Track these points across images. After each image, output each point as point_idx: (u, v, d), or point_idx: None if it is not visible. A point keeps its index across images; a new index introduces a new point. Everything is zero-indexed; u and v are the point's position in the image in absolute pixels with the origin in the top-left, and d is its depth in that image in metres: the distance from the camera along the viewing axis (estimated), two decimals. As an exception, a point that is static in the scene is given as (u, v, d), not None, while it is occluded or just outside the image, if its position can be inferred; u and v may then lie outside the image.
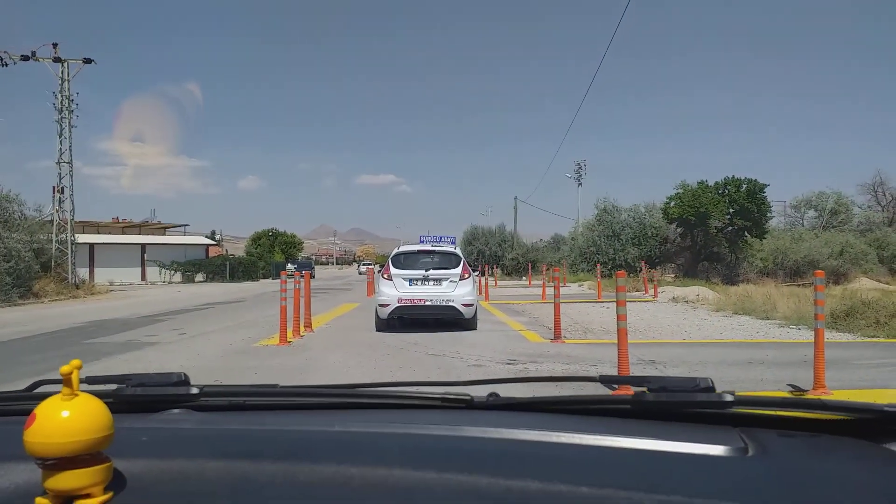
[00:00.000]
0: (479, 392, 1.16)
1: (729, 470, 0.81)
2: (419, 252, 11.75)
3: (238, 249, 78.13)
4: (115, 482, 0.72)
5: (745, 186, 31.10)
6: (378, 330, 10.98)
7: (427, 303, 10.78)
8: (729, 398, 0.95)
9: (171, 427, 0.99)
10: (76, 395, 0.69)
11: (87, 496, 0.68)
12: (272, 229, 71.24)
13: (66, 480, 0.67)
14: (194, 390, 1.09)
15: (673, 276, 31.11)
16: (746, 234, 31.39)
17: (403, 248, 11.97)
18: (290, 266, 39.98)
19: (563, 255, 39.78)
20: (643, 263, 25.40)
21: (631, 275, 26.44)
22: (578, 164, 53.82)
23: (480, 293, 17.07)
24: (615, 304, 6.88)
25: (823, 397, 1.01)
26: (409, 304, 10.79)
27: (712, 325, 11.85)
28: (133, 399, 1.06)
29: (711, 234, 31.69)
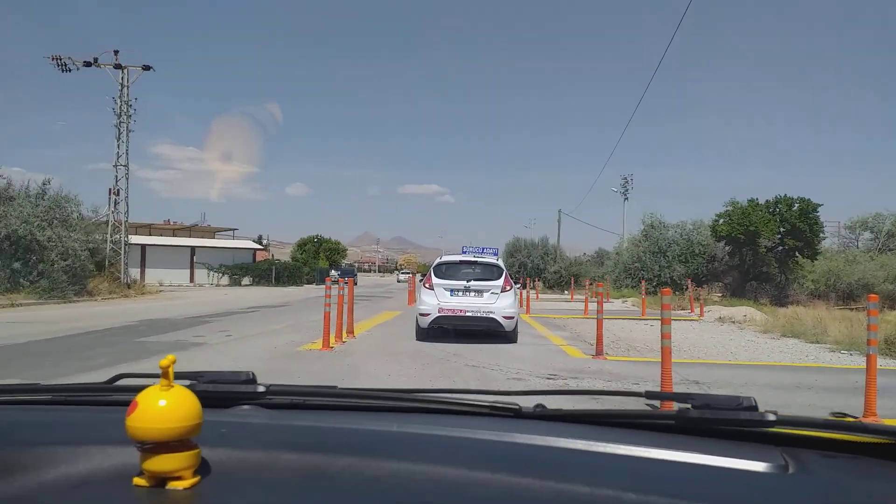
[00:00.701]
0: (526, 403, 1.20)
1: (769, 486, 0.84)
2: (461, 262, 11.80)
3: (284, 254, 79.57)
4: (202, 468, 0.80)
5: (797, 205, 30.27)
6: (418, 339, 11.07)
7: (468, 314, 10.82)
8: (772, 417, 0.98)
9: (244, 421, 1.07)
10: (172, 386, 0.78)
11: (179, 478, 0.76)
12: (317, 235, 72.31)
13: (162, 463, 0.75)
14: (261, 388, 1.17)
15: (720, 295, 30.42)
16: (797, 254, 30.49)
17: (445, 259, 12.05)
18: (333, 272, 40.52)
19: (607, 270, 39.32)
20: (689, 281, 24.92)
21: (676, 293, 25.97)
22: (625, 178, 53.23)
23: (521, 306, 17.03)
24: (659, 321, 6.80)
25: (866, 421, 1.02)
26: (450, 314, 10.85)
27: (759, 347, 11.57)
28: (206, 395, 1.15)
29: (761, 254, 30.90)
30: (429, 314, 10.93)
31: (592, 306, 12.83)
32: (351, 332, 11.63)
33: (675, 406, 1.07)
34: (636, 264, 35.55)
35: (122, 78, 26.85)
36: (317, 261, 63.63)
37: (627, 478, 0.85)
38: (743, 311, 19.11)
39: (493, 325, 10.85)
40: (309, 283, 48.19)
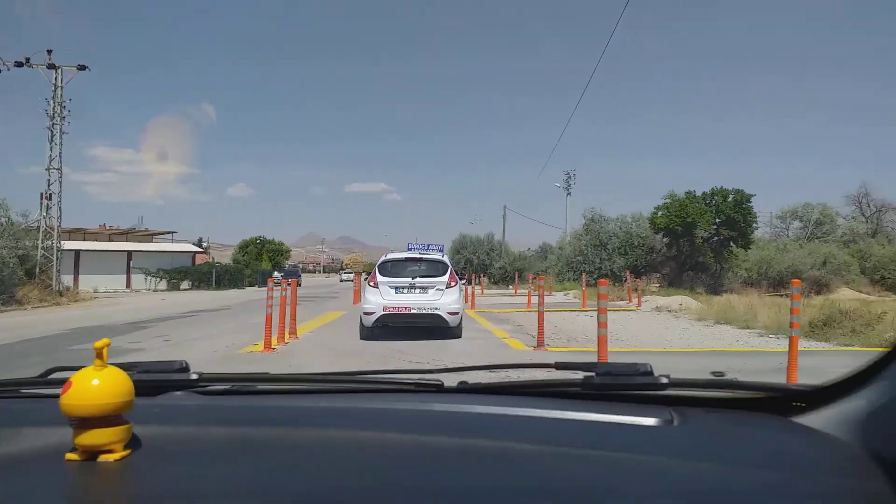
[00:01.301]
0: (450, 381, 1.31)
1: (656, 435, 0.97)
2: (406, 260, 11.87)
3: (225, 257, 77.84)
4: (133, 442, 0.86)
5: (731, 197, 31.50)
6: (363, 338, 11.08)
7: (412, 311, 10.89)
8: (664, 381, 1.11)
9: (176, 403, 1.13)
10: (105, 366, 0.84)
11: (110, 451, 0.82)
12: (259, 237, 71.06)
13: (93, 437, 0.81)
14: (194, 376, 1.23)
15: (658, 285, 31.40)
16: (732, 244, 31.77)
17: (391, 256, 12.10)
18: (276, 274, 39.88)
19: (551, 265, 40.02)
20: (628, 273, 25.63)
21: (616, 284, 26.70)
22: (568, 174, 54.31)
23: (467, 302, 17.21)
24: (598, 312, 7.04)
25: (740, 379, 1.16)
26: (395, 311, 10.90)
27: (693, 335, 12.05)
28: (141, 383, 1.21)
29: (697, 244, 32.04)
30: (373, 313, 10.95)
31: (535, 300, 13.12)
32: (294, 333, 11.55)
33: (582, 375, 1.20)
34: (578, 258, 36.32)
35: (56, 78, 25.78)
36: (259, 263, 62.53)
37: (539, 433, 0.97)
38: (679, 300, 19.82)
39: (438, 322, 10.96)
40: (251, 285, 47.31)
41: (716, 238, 31.96)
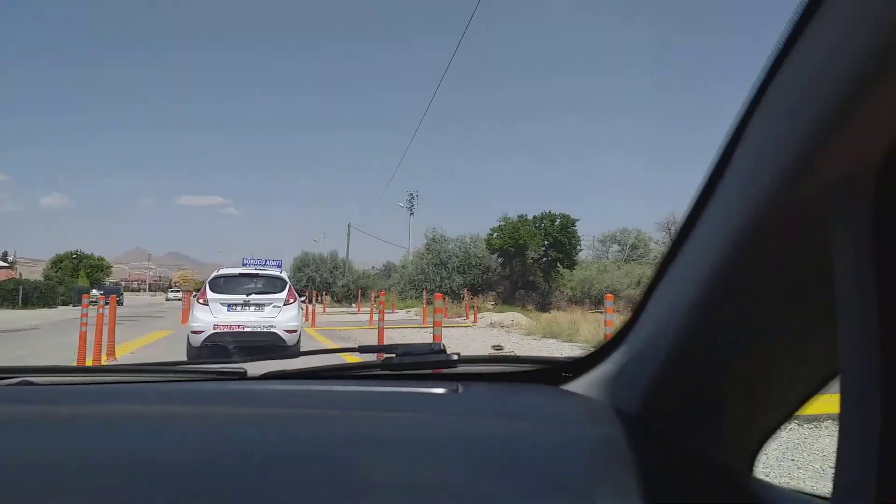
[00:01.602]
0: (255, 370, 1.31)
1: (442, 401, 1.08)
2: (241, 276, 11.36)
3: (36, 273, 69.86)
4: None
5: (559, 221, 33.94)
6: (190, 359, 10.44)
7: (246, 329, 10.43)
8: (455, 357, 1.22)
9: None
10: None
11: None
12: (76, 251, 64.72)
13: None
14: None
15: (493, 303, 32.86)
16: (559, 264, 34.15)
17: (223, 272, 11.52)
18: (94, 292, 36.52)
19: (394, 283, 40.43)
20: (466, 290, 26.60)
21: (454, 301, 27.64)
22: (411, 194, 55.37)
23: (307, 320, 16.87)
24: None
25: (518, 355, 1.35)
26: (226, 330, 10.38)
27: (522, 348, 12.76)
28: None
29: (528, 265, 34.07)
30: (202, 331, 10.34)
31: (377, 317, 13.17)
32: (112, 353, 10.64)
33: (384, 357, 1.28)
34: (420, 276, 37.07)
35: None
36: (75, 280, 56.85)
37: (338, 403, 1.04)
38: (511, 316, 20.91)
39: (273, 340, 10.58)
40: (65, 304, 42.83)
41: (545, 259, 34.21)
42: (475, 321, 20.69)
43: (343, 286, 45.02)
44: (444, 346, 1.25)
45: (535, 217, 34.36)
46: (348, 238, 51.11)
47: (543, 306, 30.58)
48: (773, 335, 0.77)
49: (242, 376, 1.25)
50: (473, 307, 22.59)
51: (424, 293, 25.42)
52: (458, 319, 21.85)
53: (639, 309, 0.96)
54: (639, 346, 0.95)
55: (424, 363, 1.24)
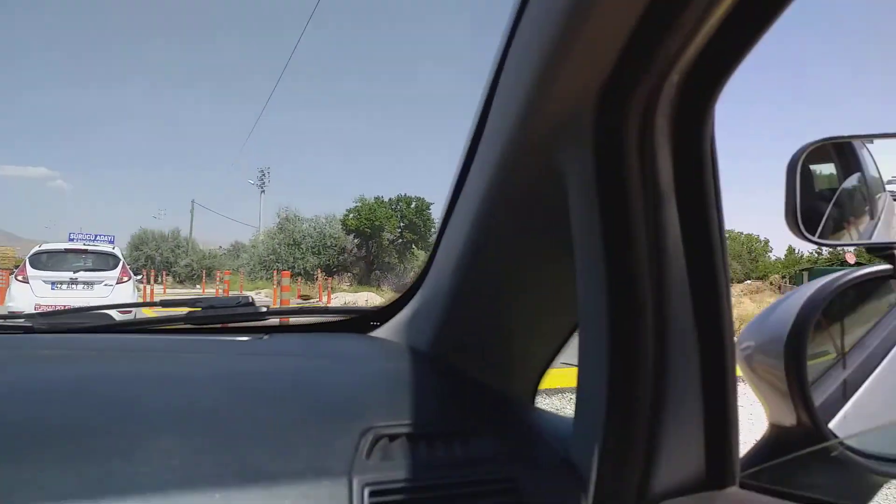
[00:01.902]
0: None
1: (243, 346, 1.10)
2: (67, 251, 10.41)
3: None
4: None
5: (414, 204, 34.38)
6: (8, 340, 9.43)
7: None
8: (264, 309, 1.24)
9: None
10: None
11: None
12: None
13: None
14: None
15: (348, 284, 32.68)
16: (413, 246, 34.63)
17: (46, 247, 10.49)
18: None
19: (243, 263, 38.82)
20: (319, 271, 26.25)
21: (309, 283, 27.16)
22: (262, 171, 53.26)
23: (146, 300, 15.80)
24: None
25: (325, 304, 1.38)
26: (50, 310, 9.48)
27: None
28: None
29: (384, 246, 34.23)
30: (20, 312, 9.38)
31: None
32: None
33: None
34: (271, 256, 35.88)
35: None
36: None
37: (132, 352, 1.01)
38: (365, 296, 20.96)
39: (105, 321, 9.83)
40: None
41: (400, 241, 34.56)
42: (329, 302, 20.49)
43: (186, 266, 42.49)
44: (252, 300, 1.26)
45: (391, 199, 34.58)
46: (192, 215, 48.42)
47: (398, 287, 30.90)
48: (529, 277, 0.89)
49: (28, 330, 1.17)
50: (327, 288, 22.34)
51: (276, 274, 24.73)
52: (312, 301, 21.52)
53: (429, 260, 1.05)
54: (428, 294, 1.04)
55: (230, 316, 1.23)
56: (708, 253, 0.66)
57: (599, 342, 0.67)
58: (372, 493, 0.65)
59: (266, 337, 1.13)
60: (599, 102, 0.62)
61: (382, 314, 1.21)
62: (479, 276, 0.91)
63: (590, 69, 0.60)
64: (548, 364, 1.03)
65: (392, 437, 0.74)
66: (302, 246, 35.61)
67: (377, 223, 32.59)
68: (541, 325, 0.98)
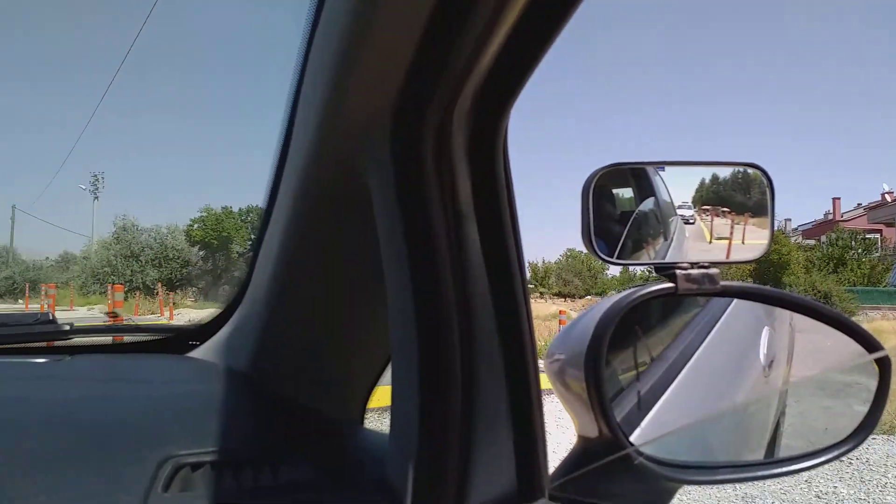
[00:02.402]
0: None
1: (39, 368, 1.00)
2: None
3: None
4: None
5: (253, 237, 33.31)
6: None
7: None
8: (67, 327, 1.12)
9: None
10: None
11: None
12: None
13: None
14: None
15: (193, 299, 30.88)
16: (265, 259, 33.51)
17: None
18: None
19: (73, 276, 35.44)
20: (160, 285, 24.59)
21: (149, 297, 25.42)
22: (96, 175, 48.98)
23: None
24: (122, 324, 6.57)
25: (137, 323, 1.29)
26: None
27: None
28: None
29: (233, 259, 32.73)
30: None
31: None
32: None
33: None
34: (106, 269, 33.07)
35: None
36: None
37: None
38: (210, 311, 19.92)
39: None
40: None
41: (251, 254, 33.21)
42: (171, 318, 19.20)
43: (6, 278, 38.05)
44: (53, 316, 1.14)
45: (240, 210, 33.22)
46: (13, 222, 43.48)
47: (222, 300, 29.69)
48: (347, 295, 0.87)
49: None
50: (169, 303, 20.93)
51: (111, 288, 22.81)
52: (152, 317, 20.07)
53: (249, 273, 1.00)
54: (246, 311, 0.99)
55: (25, 335, 1.11)
56: (507, 270, 0.67)
57: (410, 360, 0.66)
58: None
59: (69, 358, 1.02)
60: (395, 114, 0.61)
61: (202, 332, 1.13)
62: (295, 294, 0.88)
63: (382, 81, 0.60)
64: (374, 382, 1.01)
65: (195, 466, 0.69)
66: (141, 258, 33.16)
67: (225, 234, 31.15)
68: (362, 344, 0.96)
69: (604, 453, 0.87)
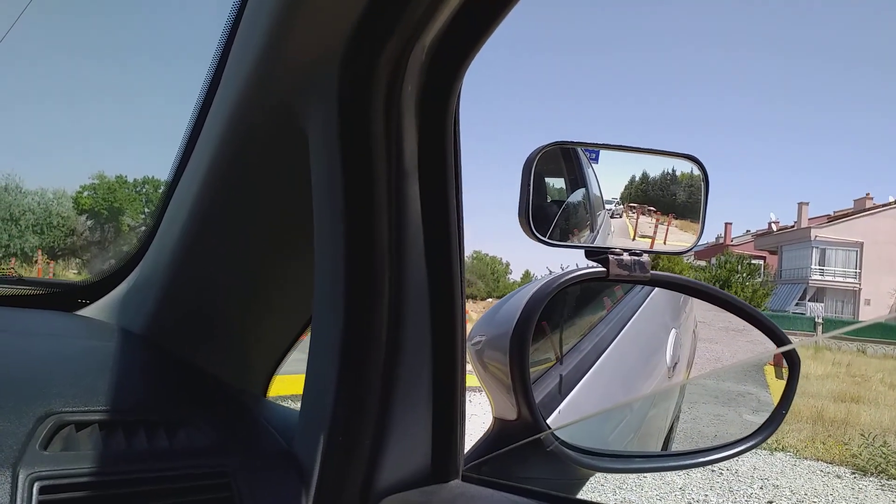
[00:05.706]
0: None
1: None
2: None
3: None
4: None
5: (162, 188, 31.69)
6: None
7: None
8: None
9: None
10: None
11: None
12: None
13: None
14: None
15: (76, 271, 28.95)
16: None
17: None
18: None
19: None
20: (39, 252, 22.90)
21: (25, 265, 23.70)
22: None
23: None
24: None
25: (26, 275, 1.20)
26: None
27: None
28: None
29: (124, 232, 30.96)
30: None
31: None
32: None
33: None
34: (-23, 231, 30.45)
35: None
36: None
37: None
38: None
39: None
40: None
41: (143, 228, 31.62)
42: (48, 289, 17.93)
43: None
44: None
45: (136, 180, 31.43)
46: None
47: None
48: (263, 259, 0.83)
49: None
50: (49, 273, 19.51)
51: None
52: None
53: (151, 231, 0.95)
54: (147, 270, 0.94)
55: None
56: (446, 237, 0.66)
57: (333, 331, 0.64)
58: (43, 489, 0.55)
59: None
60: (345, 56, 0.58)
61: (92, 290, 1.05)
62: (207, 250, 0.83)
63: (334, 20, 0.57)
64: (284, 353, 0.98)
65: (80, 425, 0.64)
66: (21, 222, 30.71)
67: (116, 205, 29.35)
68: (276, 308, 0.92)
69: (520, 436, 0.88)
